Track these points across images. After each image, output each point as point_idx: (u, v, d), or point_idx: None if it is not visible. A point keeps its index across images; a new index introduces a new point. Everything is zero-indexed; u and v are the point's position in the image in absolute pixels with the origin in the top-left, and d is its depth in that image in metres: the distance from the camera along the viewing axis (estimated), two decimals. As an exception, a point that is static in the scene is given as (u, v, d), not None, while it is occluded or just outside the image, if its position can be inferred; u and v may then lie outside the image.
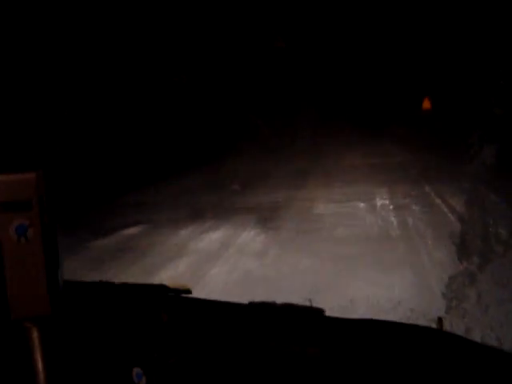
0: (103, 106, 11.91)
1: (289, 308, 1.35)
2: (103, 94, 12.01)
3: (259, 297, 1.38)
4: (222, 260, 6.16)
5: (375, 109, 19.97)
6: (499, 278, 5.00)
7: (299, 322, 1.32)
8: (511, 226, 6.39)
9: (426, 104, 19.34)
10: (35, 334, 1.09)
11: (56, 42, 10.73)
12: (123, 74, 12.59)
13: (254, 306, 1.36)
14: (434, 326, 3.37)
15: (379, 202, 8.70)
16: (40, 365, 1.09)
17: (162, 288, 1.45)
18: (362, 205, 8.55)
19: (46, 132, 10.04)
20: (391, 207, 8.33)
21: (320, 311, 1.34)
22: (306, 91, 19.24)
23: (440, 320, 1.92)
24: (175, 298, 1.42)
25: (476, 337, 3.79)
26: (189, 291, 1.45)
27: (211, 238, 7.22)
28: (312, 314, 1.33)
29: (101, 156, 10.99)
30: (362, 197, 9.02)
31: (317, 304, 1.38)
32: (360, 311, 4.34)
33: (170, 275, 5.52)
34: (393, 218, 7.63)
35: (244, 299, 1.37)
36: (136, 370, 1.27)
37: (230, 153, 13.71)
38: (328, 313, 1.36)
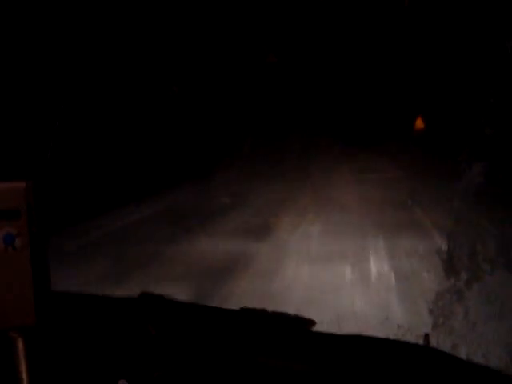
0: (92, 118, 11.89)
1: (279, 317, 1.35)
2: (93, 106, 12.00)
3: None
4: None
5: (368, 126, 20.03)
6: (486, 295, 5.02)
7: (289, 334, 1.32)
8: (498, 244, 6.43)
9: (419, 123, 19.36)
10: (20, 345, 1.08)
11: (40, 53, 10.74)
12: (109, 89, 12.59)
13: (245, 313, 1.36)
14: (420, 342, 3.37)
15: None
16: (24, 375, 1.09)
17: (148, 299, 1.44)
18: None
19: (37, 142, 10.01)
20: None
21: (310, 322, 1.34)
22: (296, 107, 19.30)
23: (427, 336, 1.92)
24: (162, 309, 1.41)
25: (462, 353, 3.80)
26: (175, 301, 1.45)
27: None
28: (302, 326, 1.33)
29: (86, 169, 10.90)
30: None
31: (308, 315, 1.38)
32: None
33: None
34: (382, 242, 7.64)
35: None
36: (121, 382, 1.26)
37: (217, 169, 13.69)
38: (317, 326, 1.36)
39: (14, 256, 1.07)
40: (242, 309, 1.37)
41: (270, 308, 1.35)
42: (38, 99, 10.50)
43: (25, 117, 10.02)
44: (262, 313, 1.35)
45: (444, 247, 6.47)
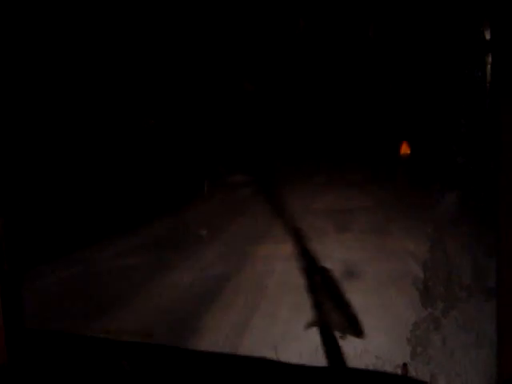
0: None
1: (249, 361, 1.34)
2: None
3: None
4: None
5: (349, 151, 19.97)
6: (463, 322, 5.04)
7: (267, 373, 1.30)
8: (473, 271, 6.50)
9: (404, 149, 19.38)
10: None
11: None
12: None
13: (216, 356, 1.35)
14: (399, 372, 3.37)
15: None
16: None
17: (121, 333, 1.42)
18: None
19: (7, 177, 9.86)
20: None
21: (279, 364, 1.33)
22: (276, 135, 19.39)
23: (405, 366, 1.92)
24: (135, 345, 1.39)
25: (441, 382, 3.80)
26: (150, 335, 1.43)
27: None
28: (270, 368, 1.32)
29: (58, 202, 10.72)
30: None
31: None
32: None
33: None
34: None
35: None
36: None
37: (196, 199, 13.64)
38: (297, 360, 1.35)
39: (-15, 294, 1.05)
40: (213, 352, 1.36)
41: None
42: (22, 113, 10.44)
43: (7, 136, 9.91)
44: (232, 357, 1.34)
45: (419, 275, 6.51)
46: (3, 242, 1.03)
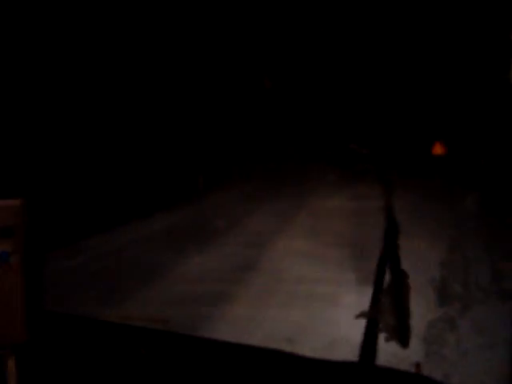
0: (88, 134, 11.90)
1: (264, 352, 1.35)
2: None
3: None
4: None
5: (378, 149, 19.17)
6: (479, 324, 5.01)
7: (280, 365, 1.31)
8: (491, 273, 6.45)
9: (438, 148, 18.53)
10: (11, 362, 1.08)
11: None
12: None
13: (231, 345, 1.35)
14: (413, 370, 3.36)
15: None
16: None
17: (139, 319, 1.43)
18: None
19: (35, 159, 10.02)
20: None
21: (297, 358, 1.33)
22: (295, 132, 19.25)
23: (418, 365, 1.92)
24: (153, 331, 1.40)
25: (454, 382, 3.78)
26: (166, 322, 1.44)
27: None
28: (287, 360, 1.33)
29: (80, 188, 10.81)
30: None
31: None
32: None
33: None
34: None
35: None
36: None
37: (212, 191, 13.67)
38: (310, 353, 1.35)
39: (8, 273, 1.07)
40: (227, 342, 1.37)
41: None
42: (34, 114, 10.54)
43: (20, 134, 10.04)
44: (248, 347, 1.35)
45: (437, 275, 6.48)
46: (27, 222, 1.05)
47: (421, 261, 7.47)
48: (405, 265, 7.22)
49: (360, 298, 5.80)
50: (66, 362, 1.29)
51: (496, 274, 6.53)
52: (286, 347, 3.63)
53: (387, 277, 6.52)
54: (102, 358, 1.29)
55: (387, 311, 5.30)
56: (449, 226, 9.15)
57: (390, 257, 7.33)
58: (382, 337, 4.81)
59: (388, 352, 4.39)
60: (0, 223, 1.04)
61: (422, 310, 5.42)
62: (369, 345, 4.54)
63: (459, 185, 12.79)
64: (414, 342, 4.63)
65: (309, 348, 3.78)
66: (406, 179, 15.24)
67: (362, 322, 5.09)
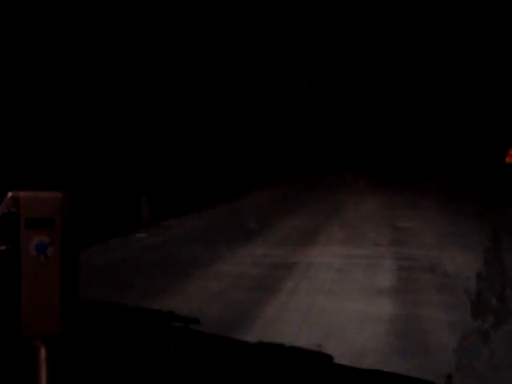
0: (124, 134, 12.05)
1: (297, 352, 1.33)
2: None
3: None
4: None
5: (443, 156, 17.37)
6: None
7: (306, 368, 1.30)
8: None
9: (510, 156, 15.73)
10: (43, 353, 1.08)
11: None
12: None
13: (262, 347, 1.35)
14: (442, 382, 3.30)
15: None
16: (44, 384, 1.09)
17: (170, 316, 1.43)
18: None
19: (75, 154, 10.18)
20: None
21: (328, 358, 1.32)
22: (334, 135, 18.92)
23: (449, 377, 1.89)
24: (183, 330, 1.41)
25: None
26: (197, 321, 1.44)
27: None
28: (320, 361, 1.31)
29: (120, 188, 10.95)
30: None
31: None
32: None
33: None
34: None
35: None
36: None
37: (247, 193, 13.66)
38: (337, 360, 1.34)
39: (45, 264, 1.08)
40: (259, 343, 1.36)
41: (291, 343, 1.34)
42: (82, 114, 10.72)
43: (65, 132, 10.22)
44: (279, 348, 1.34)
45: (472, 287, 6.34)
46: (66, 215, 1.07)
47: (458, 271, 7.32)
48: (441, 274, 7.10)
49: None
50: (96, 357, 1.30)
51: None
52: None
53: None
54: (132, 354, 1.30)
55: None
56: (486, 235, 8.96)
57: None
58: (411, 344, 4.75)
59: (417, 361, 4.33)
60: (40, 214, 1.05)
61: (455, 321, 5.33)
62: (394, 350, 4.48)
63: (496, 195, 12.31)
64: (447, 353, 4.55)
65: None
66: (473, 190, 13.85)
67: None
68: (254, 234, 9.40)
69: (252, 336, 4.47)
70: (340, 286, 6.62)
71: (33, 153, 9.65)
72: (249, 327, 5.07)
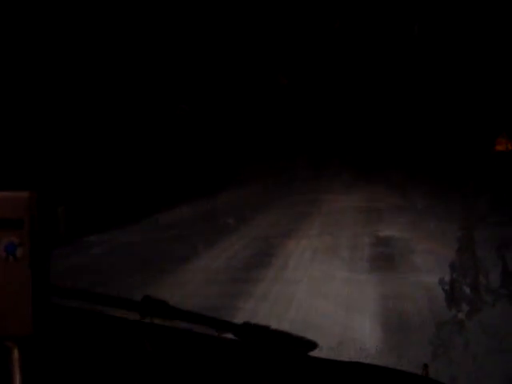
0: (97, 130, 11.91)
1: (281, 336, 1.33)
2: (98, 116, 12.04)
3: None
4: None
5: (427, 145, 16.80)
6: (488, 327, 4.97)
7: (289, 356, 1.30)
8: (501, 276, 6.39)
9: (502, 143, 15.16)
10: (16, 354, 1.08)
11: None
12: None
13: (247, 328, 1.34)
14: (419, 372, 3.34)
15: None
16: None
17: (150, 303, 1.40)
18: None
19: (43, 151, 10.04)
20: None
21: (312, 345, 1.32)
22: (310, 130, 18.92)
23: (425, 367, 1.90)
24: (158, 326, 1.39)
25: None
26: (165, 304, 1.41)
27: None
28: (304, 347, 1.31)
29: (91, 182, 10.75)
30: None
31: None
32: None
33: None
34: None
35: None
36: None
37: (225, 187, 13.57)
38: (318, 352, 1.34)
39: (15, 265, 1.07)
40: (244, 323, 1.35)
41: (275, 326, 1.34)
42: (42, 106, 10.58)
43: (28, 126, 10.08)
44: (265, 330, 1.33)
45: (446, 277, 6.43)
46: (35, 215, 1.05)
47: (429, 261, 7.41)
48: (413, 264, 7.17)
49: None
50: (69, 356, 1.29)
51: (506, 276, 6.48)
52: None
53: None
54: (106, 353, 1.29)
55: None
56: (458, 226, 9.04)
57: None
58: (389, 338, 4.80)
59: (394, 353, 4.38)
60: (8, 214, 1.04)
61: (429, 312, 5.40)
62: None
63: (468, 185, 12.41)
64: (422, 343, 4.61)
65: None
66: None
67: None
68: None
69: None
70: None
71: None
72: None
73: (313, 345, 1.32)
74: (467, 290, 6.00)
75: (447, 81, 18.84)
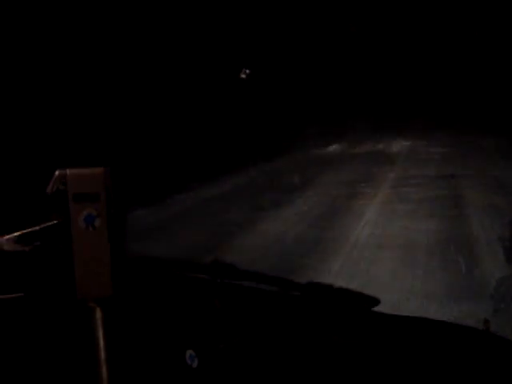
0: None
1: (344, 293, 1.39)
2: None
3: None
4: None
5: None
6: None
7: (352, 312, 1.35)
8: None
9: None
10: (98, 314, 1.18)
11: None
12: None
13: (311, 286, 1.40)
14: (480, 327, 3.35)
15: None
16: (101, 342, 1.19)
17: (219, 267, 1.48)
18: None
19: (116, 130, 10.22)
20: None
21: (375, 301, 1.36)
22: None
23: (487, 321, 1.92)
24: (232, 279, 1.46)
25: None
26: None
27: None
28: (366, 303, 1.36)
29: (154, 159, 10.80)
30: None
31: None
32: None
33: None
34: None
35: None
36: (189, 352, 1.34)
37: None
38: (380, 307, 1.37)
39: (94, 234, 1.16)
40: (309, 283, 1.41)
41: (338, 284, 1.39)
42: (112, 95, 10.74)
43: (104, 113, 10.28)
44: (329, 289, 1.39)
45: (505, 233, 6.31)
46: (110, 188, 1.14)
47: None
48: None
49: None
50: (146, 315, 1.39)
51: None
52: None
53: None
54: (178, 311, 1.38)
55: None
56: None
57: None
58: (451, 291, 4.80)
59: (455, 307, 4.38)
60: (87, 189, 1.13)
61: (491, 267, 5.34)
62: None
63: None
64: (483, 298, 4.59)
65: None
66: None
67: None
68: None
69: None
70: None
71: None
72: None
73: (375, 301, 1.37)
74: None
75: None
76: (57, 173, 1.15)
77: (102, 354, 1.20)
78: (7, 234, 1.28)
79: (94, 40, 10.66)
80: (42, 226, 1.20)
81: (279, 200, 8.68)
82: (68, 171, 1.15)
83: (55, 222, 1.19)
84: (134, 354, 1.38)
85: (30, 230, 1.23)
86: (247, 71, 15.23)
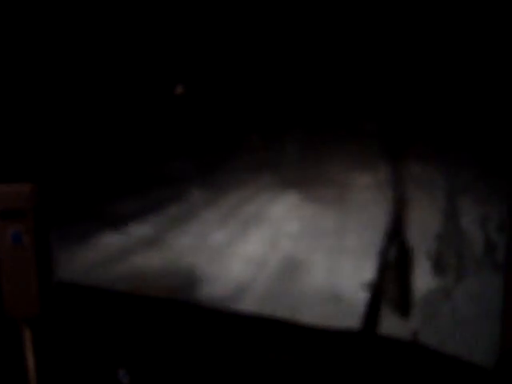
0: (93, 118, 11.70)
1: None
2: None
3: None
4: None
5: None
6: (472, 294, 5.06)
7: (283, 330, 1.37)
8: (484, 245, 6.47)
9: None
10: (27, 333, 1.14)
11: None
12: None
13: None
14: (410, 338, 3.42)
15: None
16: (31, 362, 1.15)
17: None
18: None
19: (44, 144, 9.92)
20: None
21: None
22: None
23: (415, 333, 1.98)
24: (161, 301, 1.45)
25: (449, 349, 3.85)
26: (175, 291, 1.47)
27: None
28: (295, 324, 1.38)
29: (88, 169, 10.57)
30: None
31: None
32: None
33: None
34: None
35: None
36: (121, 371, 1.32)
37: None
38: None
39: (22, 251, 1.13)
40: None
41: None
42: (39, 102, 10.42)
43: (28, 122, 9.94)
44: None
45: (431, 247, 6.48)
46: (37, 204, 1.11)
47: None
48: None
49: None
50: (76, 333, 1.35)
51: (488, 245, 6.55)
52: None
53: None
54: (113, 330, 1.36)
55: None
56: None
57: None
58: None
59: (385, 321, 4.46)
60: (13, 206, 1.10)
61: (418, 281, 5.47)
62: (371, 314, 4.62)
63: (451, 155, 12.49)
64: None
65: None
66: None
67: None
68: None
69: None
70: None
71: None
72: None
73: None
74: (452, 260, 6.07)
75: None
76: (-18, 190, 1.12)
77: (32, 374, 1.16)
78: None
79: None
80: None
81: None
82: (-7, 188, 1.11)
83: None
84: (66, 373, 1.35)
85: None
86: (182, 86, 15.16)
